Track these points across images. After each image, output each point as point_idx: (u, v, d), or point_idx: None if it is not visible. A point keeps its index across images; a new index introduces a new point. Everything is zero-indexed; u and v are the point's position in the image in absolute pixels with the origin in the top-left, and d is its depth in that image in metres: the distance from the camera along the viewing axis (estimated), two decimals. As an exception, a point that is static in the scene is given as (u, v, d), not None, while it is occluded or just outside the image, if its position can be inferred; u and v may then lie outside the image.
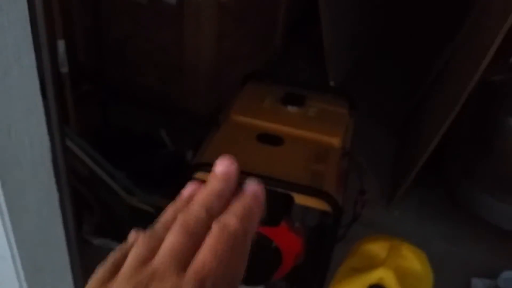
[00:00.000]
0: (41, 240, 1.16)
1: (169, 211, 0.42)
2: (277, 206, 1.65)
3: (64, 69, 1.79)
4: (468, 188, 2.05)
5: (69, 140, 1.74)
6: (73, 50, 2.35)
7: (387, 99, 3.12)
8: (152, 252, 0.38)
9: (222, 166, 0.44)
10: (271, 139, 1.72)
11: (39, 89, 0.89)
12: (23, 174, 0.97)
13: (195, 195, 0.42)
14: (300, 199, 1.54)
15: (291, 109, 1.86)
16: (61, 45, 1.69)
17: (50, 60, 1.05)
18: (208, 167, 1.85)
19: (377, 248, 1.55)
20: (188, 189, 0.44)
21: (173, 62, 2.42)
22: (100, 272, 0.38)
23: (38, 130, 0.94)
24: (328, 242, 1.61)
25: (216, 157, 1.66)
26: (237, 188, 0.44)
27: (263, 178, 1.74)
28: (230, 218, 0.39)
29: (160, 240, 0.38)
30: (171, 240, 0.38)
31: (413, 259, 1.52)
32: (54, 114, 1.11)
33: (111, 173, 1.97)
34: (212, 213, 0.40)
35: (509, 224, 1.94)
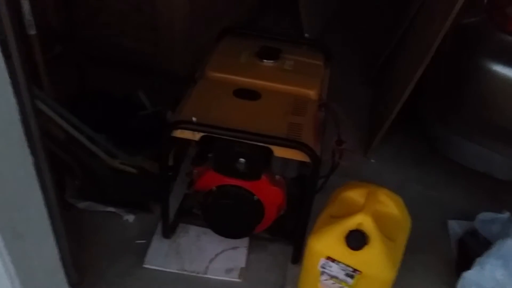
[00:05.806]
0: (18, 206, 1.15)
1: None
2: (257, 160, 1.67)
3: (32, 31, 1.73)
4: (444, 132, 2.07)
5: (43, 104, 1.71)
6: (44, 14, 2.28)
7: (362, 49, 3.11)
8: None
9: None
10: (248, 94, 1.71)
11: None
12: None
13: None
14: (279, 152, 1.55)
15: (267, 63, 1.84)
16: (25, 5, 1.63)
17: (11, 19, 1.03)
18: (186, 124, 1.83)
19: (355, 195, 1.57)
20: None
21: (147, 22, 2.37)
22: None
23: (3, 90, 0.92)
24: (308, 193, 1.64)
25: (193, 114, 1.66)
26: None
27: (242, 133, 1.73)
28: None
29: None
30: None
31: (390, 204, 1.56)
32: (21, 74, 1.08)
33: (90, 136, 1.95)
34: None
35: (484, 166, 1.98)
